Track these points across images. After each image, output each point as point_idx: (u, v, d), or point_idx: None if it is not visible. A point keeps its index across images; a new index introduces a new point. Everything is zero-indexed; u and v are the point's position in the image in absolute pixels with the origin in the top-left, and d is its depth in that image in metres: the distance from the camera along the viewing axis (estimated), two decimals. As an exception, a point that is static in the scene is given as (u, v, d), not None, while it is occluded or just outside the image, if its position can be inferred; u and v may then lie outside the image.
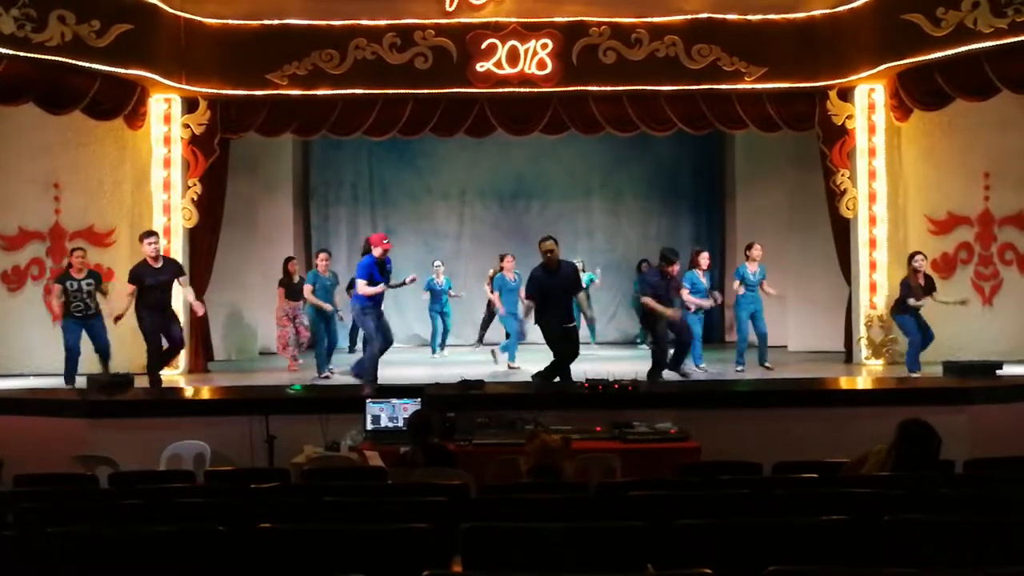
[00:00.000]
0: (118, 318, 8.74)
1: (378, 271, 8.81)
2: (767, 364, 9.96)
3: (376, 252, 8.80)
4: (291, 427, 6.66)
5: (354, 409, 6.59)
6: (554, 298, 8.42)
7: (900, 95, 9.98)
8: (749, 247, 10.15)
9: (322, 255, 10.53)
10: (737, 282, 10.02)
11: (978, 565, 2.99)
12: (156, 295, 8.69)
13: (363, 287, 8.72)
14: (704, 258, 10.06)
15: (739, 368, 9.93)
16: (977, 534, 3.31)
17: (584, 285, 12.19)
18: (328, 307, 10.12)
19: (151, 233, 9.02)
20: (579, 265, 12.24)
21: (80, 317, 8.90)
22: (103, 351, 9.02)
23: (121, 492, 4.59)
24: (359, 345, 12.72)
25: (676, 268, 9.26)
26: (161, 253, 8.95)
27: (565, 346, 8.46)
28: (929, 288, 9.37)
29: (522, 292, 9.85)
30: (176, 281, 8.92)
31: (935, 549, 3.26)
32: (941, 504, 3.82)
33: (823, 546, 3.29)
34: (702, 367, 10.06)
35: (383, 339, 8.94)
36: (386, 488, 4.67)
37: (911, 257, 9.46)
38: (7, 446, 7.02)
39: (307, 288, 10.15)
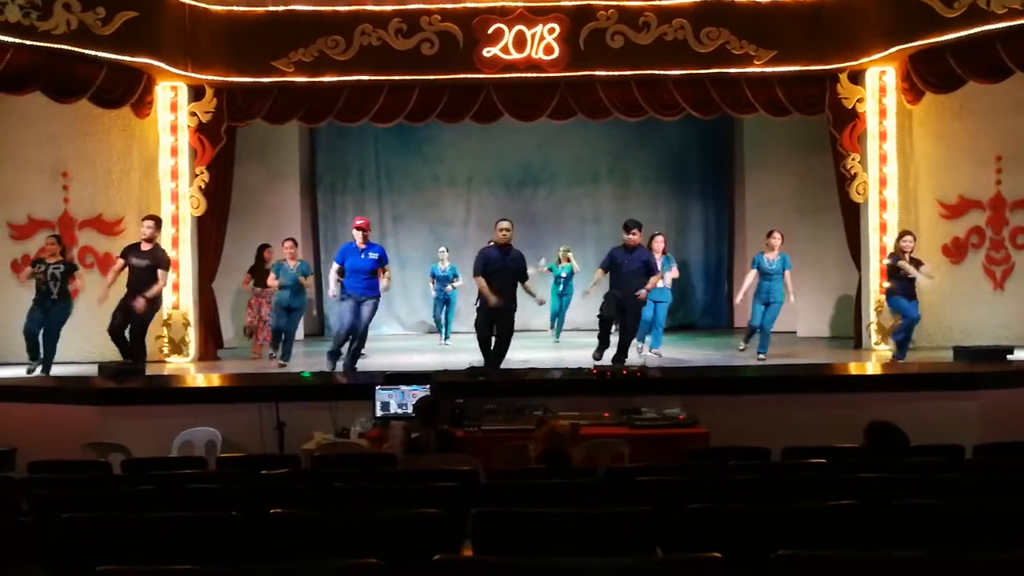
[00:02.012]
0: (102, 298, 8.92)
1: (353, 256, 8.82)
2: (761, 355, 9.62)
3: (356, 237, 8.86)
4: (301, 414, 6.70)
5: (363, 396, 6.61)
6: (499, 277, 8.52)
7: (912, 78, 9.90)
8: (768, 235, 9.87)
9: (287, 243, 10.33)
10: (753, 271, 9.77)
11: (987, 549, 2.99)
12: (133, 277, 8.81)
13: (332, 272, 9.02)
14: (775, 239, 9.77)
15: (761, 356, 9.59)
16: (987, 518, 3.31)
17: (564, 274, 12.16)
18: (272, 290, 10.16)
19: (150, 217, 9.15)
20: (565, 257, 12.21)
21: (40, 300, 9.05)
22: (50, 340, 9.12)
23: (134, 478, 4.62)
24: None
25: (636, 238, 8.94)
26: (155, 241, 9.00)
27: (486, 330, 8.59)
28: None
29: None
30: (157, 271, 8.92)
31: (944, 533, 3.26)
32: (951, 488, 3.82)
33: (832, 531, 3.29)
34: (655, 351, 10.12)
35: (342, 327, 8.88)
36: (396, 474, 4.69)
37: (900, 236, 9.30)
38: (20, 433, 7.09)
39: (271, 278, 10.13)
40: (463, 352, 10.43)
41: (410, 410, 6.28)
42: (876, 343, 10.14)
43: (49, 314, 9.11)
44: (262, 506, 3.35)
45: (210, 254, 10.64)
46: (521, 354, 9.51)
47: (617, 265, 8.95)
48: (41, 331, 9.12)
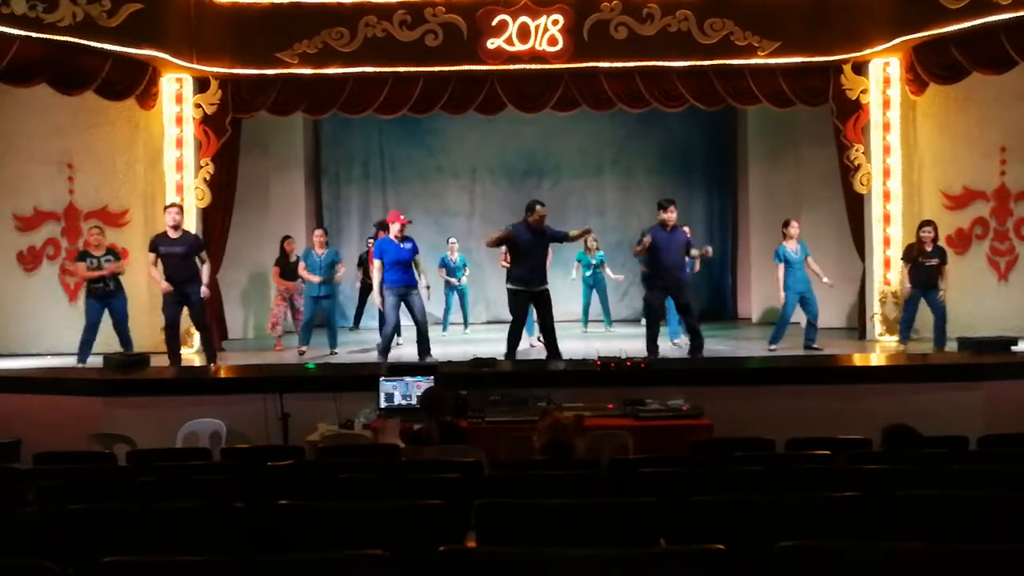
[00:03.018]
0: (167, 288, 8.83)
1: (393, 249, 8.86)
2: (815, 345, 9.57)
3: (393, 230, 8.92)
4: (305, 405, 6.72)
5: (367, 387, 6.63)
6: (532, 254, 8.54)
7: (916, 69, 9.87)
8: (786, 224, 9.76)
9: (317, 232, 10.46)
10: (781, 264, 9.59)
11: (991, 540, 2.99)
12: (171, 265, 8.78)
13: (374, 266, 8.94)
14: (794, 228, 9.66)
15: (771, 347, 9.58)
16: (990, 509, 3.31)
17: (595, 262, 12.20)
18: (316, 278, 9.97)
19: (173, 204, 9.20)
20: (593, 244, 12.28)
21: (100, 295, 9.01)
22: (123, 331, 9.13)
23: (139, 469, 4.64)
24: (372, 324, 12.71)
25: (670, 216, 8.99)
26: (182, 226, 9.07)
27: (516, 314, 8.55)
28: (934, 258, 9.16)
29: None
30: (196, 257, 9.01)
31: (948, 525, 3.26)
32: (954, 480, 3.82)
33: (836, 522, 3.30)
34: (675, 343, 10.09)
35: (388, 325, 8.94)
36: (400, 465, 4.71)
37: (919, 227, 9.34)
38: (25, 425, 7.13)
39: (300, 266, 10.14)
40: (468, 344, 10.44)
41: (414, 401, 6.31)
42: (880, 334, 10.14)
43: (111, 307, 9.10)
44: (268, 497, 3.37)
45: (215, 245, 10.64)
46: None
47: (660, 249, 8.87)
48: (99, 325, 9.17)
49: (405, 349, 9.87)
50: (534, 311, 8.86)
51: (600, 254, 12.26)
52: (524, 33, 10.10)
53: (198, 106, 10.36)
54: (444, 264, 12.17)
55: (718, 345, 10.48)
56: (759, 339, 10.90)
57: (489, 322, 13.64)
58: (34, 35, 8.69)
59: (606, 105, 10.69)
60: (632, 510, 3.26)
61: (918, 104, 10.33)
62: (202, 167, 10.41)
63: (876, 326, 10.22)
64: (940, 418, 6.18)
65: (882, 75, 10.22)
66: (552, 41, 10.10)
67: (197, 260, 9.01)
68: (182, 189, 10.36)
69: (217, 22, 10.08)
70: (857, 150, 10.31)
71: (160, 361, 9.14)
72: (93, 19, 8.98)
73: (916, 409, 6.72)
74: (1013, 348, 8.27)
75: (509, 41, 10.11)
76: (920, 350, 9.16)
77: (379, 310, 9.17)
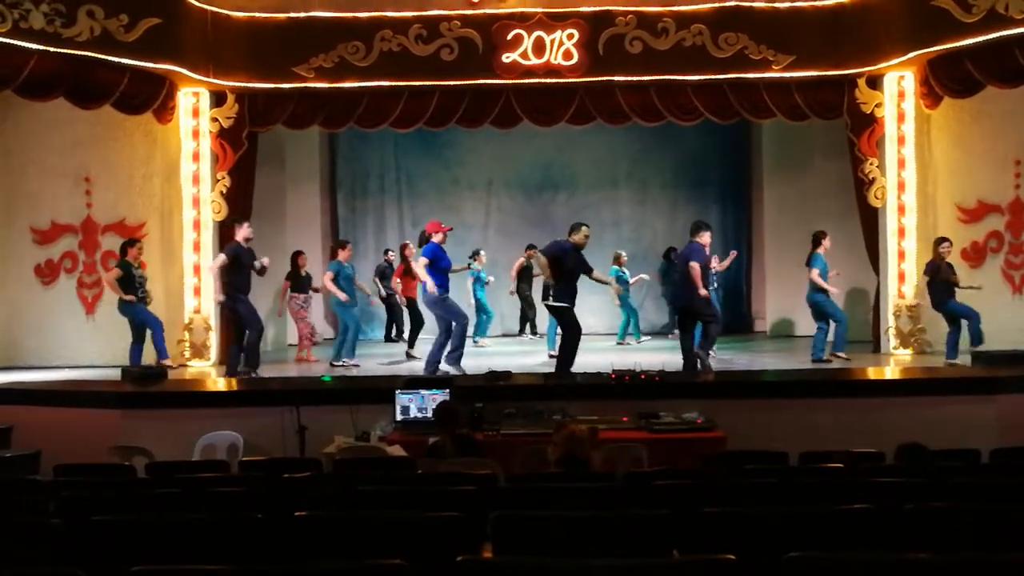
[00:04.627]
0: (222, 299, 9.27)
1: (445, 257, 9.05)
2: (825, 358, 9.64)
3: (437, 238, 9.02)
4: (322, 418, 6.76)
5: (384, 400, 6.67)
6: (575, 274, 8.65)
7: (930, 82, 9.87)
8: (824, 236, 9.85)
9: (349, 246, 10.82)
10: (816, 271, 9.66)
11: (1003, 552, 2.99)
12: (249, 276, 9.17)
13: (423, 268, 8.83)
14: (828, 241, 9.80)
15: (845, 356, 9.67)
16: (1003, 521, 3.32)
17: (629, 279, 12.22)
18: (344, 296, 10.16)
19: (245, 218, 9.54)
20: (623, 256, 12.33)
21: (140, 302, 9.28)
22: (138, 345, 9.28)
23: (159, 481, 4.69)
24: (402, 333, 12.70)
25: (707, 238, 9.17)
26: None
27: (576, 327, 8.62)
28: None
29: None
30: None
31: (960, 537, 3.27)
32: (966, 493, 3.82)
33: (847, 534, 3.31)
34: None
35: (461, 323, 9.04)
36: (417, 477, 4.74)
37: (939, 242, 9.39)
38: (45, 437, 7.20)
39: (328, 275, 10.29)
40: (485, 356, 10.46)
41: (429, 414, 6.35)
42: (895, 347, 10.11)
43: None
44: (286, 509, 3.41)
45: (232, 259, 10.73)
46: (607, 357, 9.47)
47: (708, 271, 9.19)
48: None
49: (417, 363, 9.91)
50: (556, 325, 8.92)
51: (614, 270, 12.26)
52: (539, 47, 10.16)
53: (215, 120, 10.46)
54: (478, 277, 12.24)
55: (733, 358, 10.45)
56: (772, 352, 10.89)
57: (504, 335, 13.68)
58: (52, 49, 8.79)
59: (621, 119, 10.73)
60: (646, 522, 3.29)
61: (933, 118, 10.32)
62: (219, 180, 10.49)
63: (890, 339, 10.19)
64: (953, 431, 6.17)
65: (897, 89, 10.22)
66: (567, 55, 10.16)
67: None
68: (199, 202, 10.45)
69: (234, 37, 10.18)
70: (872, 163, 10.31)
71: (175, 374, 9.21)
72: (111, 34, 9.09)
73: (930, 422, 6.72)
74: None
75: (524, 55, 10.17)
76: (936, 363, 9.13)
77: (439, 315, 9.02)
